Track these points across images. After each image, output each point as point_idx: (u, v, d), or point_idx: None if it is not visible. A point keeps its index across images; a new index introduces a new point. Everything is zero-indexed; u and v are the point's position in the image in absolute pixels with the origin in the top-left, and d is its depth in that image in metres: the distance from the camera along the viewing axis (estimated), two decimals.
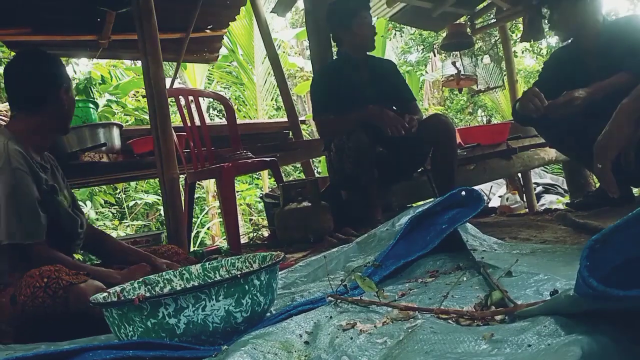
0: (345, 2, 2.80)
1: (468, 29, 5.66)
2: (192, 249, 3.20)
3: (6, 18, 4.04)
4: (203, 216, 8.04)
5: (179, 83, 7.34)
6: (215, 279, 1.36)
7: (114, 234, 5.75)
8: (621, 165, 1.64)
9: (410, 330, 0.87)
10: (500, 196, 5.93)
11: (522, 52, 9.68)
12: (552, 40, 9.04)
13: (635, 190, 2.60)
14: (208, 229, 7.95)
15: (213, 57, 5.67)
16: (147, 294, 1.27)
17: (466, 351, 0.73)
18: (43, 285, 1.31)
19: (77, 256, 1.92)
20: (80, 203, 1.79)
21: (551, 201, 6.07)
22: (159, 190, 6.12)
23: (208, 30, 5.11)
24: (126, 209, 7.23)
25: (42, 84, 1.66)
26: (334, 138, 2.57)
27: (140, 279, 1.32)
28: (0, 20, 4.06)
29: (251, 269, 1.31)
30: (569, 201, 3.18)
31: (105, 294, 1.20)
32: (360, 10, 2.72)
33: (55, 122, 1.69)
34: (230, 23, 5.31)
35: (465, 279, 1.21)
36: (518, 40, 6.81)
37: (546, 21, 2.59)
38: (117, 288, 1.26)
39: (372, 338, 0.87)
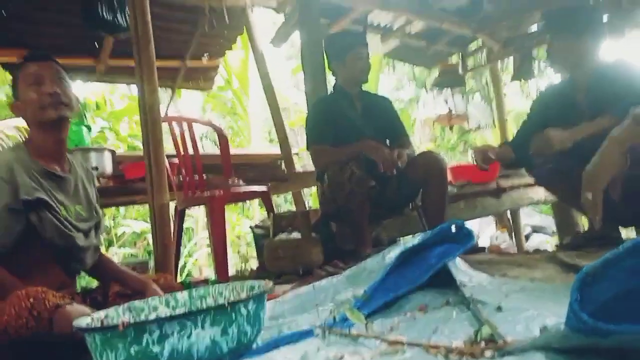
0: (342, 37, 2.86)
1: (460, 69, 5.80)
2: (179, 279, 3.15)
3: (2, 39, 4.08)
4: (191, 246, 7.96)
5: (174, 111, 7.38)
6: (202, 306, 1.34)
7: None
8: (609, 203, 1.65)
9: None
10: (490, 235, 5.95)
11: (512, 93, 9.89)
12: (541, 83, 9.25)
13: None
14: (195, 259, 7.85)
15: (208, 86, 5.74)
16: (132, 321, 1.24)
17: None
18: (29, 305, 1.28)
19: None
20: None
21: (540, 241, 6.10)
22: (148, 219, 6.06)
23: (205, 59, 5.19)
24: (114, 237, 7.14)
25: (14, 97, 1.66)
26: (328, 169, 2.58)
27: (126, 305, 1.29)
28: None
29: (239, 297, 1.29)
30: (557, 242, 3.20)
31: (88, 319, 1.17)
32: (356, 45, 2.78)
33: (31, 130, 1.64)
34: (226, 53, 5.40)
35: (454, 314, 1.20)
36: (508, 81, 6.97)
37: (541, 63, 2.68)
38: (101, 313, 1.23)
39: None
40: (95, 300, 1.71)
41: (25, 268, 1.54)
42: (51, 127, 1.62)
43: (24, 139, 1.71)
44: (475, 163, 2.49)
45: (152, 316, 1.31)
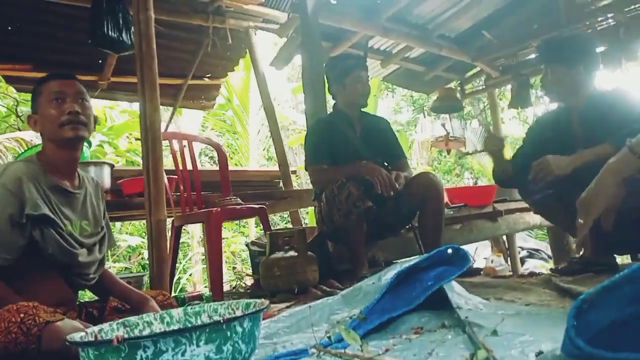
0: (343, 60, 2.90)
1: (458, 94, 5.87)
2: (173, 294, 3.13)
3: (7, 53, 4.12)
4: (186, 262, 7.92)
5: (173, 128, 7.42)
6: (197, 323, 1.33)
7: None
8: (604, 230, 1.66)
9: None
10: (485, 258, 5.94)
11: (510, 120, 9.98)
12: (538, 110, 9.35)
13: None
14: (190, 275, 7.81)
15: (209, 105, 5.78)
16: (126, 336, 1.23)
17: None
18: (18, 320, 1.27)
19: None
20: None
21: (535, 266, 6.09)
22: (143, 233, 6.04)
23: (207, 79, 5.24)
24: (109, 250, 7.11)
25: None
26: (325, 189, 2.59)
27: (121, 320, 1.29)
28: (1, 54, 4.14)
29: (234, 315, 1.29)
30: (552, 266, 3.20)
31: (82, 333, 1.16)
32: (356, 68, 2.81)
33: (47, 145, 1.65)
34: (228, 73, 5.46)
35: (450, 337, 1.20)
36: (506, 107, 7.05)
37: (539, 91, 2.73)
38: (95, 328, 1.22)
39: None
40: (91, 314, 1.70)
41: (26, 281, 1.54)
42: (67, 145, 1.64)
43: (35, 153, 1.72)
44: (483, 147, 2.55)
45: (147, 332, 1.30)
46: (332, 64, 2.96)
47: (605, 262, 2.23)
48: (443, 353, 1.05)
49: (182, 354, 1.00)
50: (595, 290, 0.66)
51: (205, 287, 5.96)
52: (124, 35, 3.31)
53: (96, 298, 1.87)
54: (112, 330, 1.25)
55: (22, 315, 1.29)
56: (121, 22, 3.30)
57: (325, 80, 3.02)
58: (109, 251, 7.09)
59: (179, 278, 7.28)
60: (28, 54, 4.16)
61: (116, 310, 1.69)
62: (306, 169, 2.84)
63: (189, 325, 1.32)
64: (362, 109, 2.92)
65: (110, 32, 3.24)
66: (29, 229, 1.51)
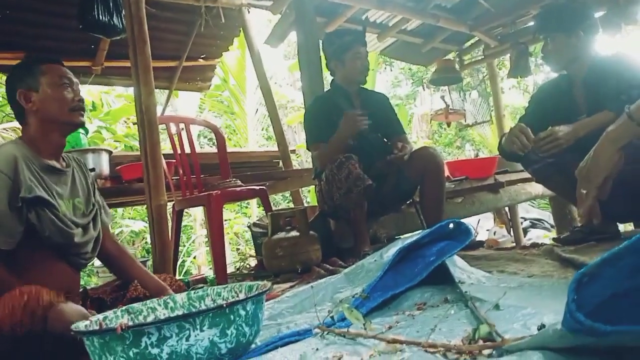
0: (341, 35, 2.85)
1: (456, 65, 5.80)
2: (177, 278, 3.15)
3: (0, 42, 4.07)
4: (190, 244, 7.96)
5: (170, 110, 7.37)
6: (201, 308, 1.34)
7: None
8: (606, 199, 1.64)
9: None
10: (487, 230, 5.96)
11: (509, 89, 9.90)
12: (538, 78, 9.27)
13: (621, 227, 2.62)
14: (194, 257, 7.86)
15: (205, 86, 5.73)
16: (130, 323, 1.24)
17: None
18: (22, 303, 1.28)
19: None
20: None
21: (538, 236, 6.11)
22: (146, 218, 6.05)
23: (201, 60, 5.18)
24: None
25: (7, 97, 1.68)
26: (325, 168, 2.59)
27: (125, 307, 1.29)
28: None
29: (237, 298, 1.29)
30: (555, 236, 3.20)
31: (87, 322, 1.17)
32: (355, 44, 2.77)
33: (42, 125, 1.63)
34: (223, 53, 5.39)
35: (452, 312, 1.20)
36: (505, 76, 6.98)
37: (538, 59, 2.67)
38: (100, 316, 1.23)
39: None
40: (100, 301, 1.70)
41: (28, 266, 1.54)
42: (68, 130, 1.70)
43: (20, 135, 1.71)
44: (505, 149, 2.26)
45: (151, 318, 1.31)
46: (330, 39, 2.91)
47: (608, 231, 2.23)
48: (446, 328, 1.06)
49: (187, 339, 1.00)
50: (595, 263, 0.65)
51: (210, 269, 6.00)
52: (114, 19, 3.26)
53: (102, 284, 1.88)
54: (116, 317, 1.25)
55: (25, 298, 1.30)
56: (111, 5, 3.24)
57: (323, 56, 2.98)
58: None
59: (183, 261, 7.33)
60: (20, 41, 4.10)
61: (135, 301, 1.69)
62: (308, 149, 2.83)
63: (193, 310, 1.33)
64: (361, 85, 2.89)
65: (100, 17, 3.19)
66: (24, 212, 1.51)
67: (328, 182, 2.55)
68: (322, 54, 3.39)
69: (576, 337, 0.64)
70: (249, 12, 4.57)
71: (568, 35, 2.25)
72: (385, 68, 10.89)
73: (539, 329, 0.88)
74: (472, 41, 5.80)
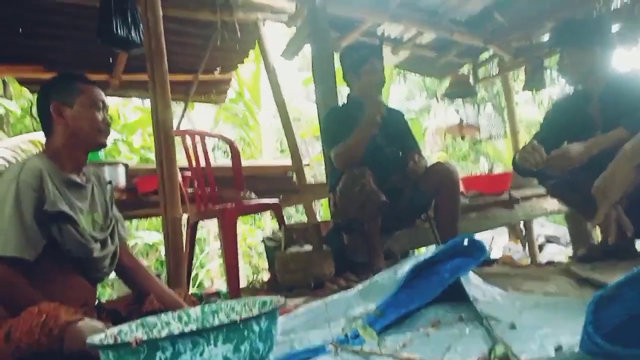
0: (358, 49, 2.87)
1: (471, 78, 5.79)
2: (190, 291, 3.17)
3: (19, 55, 4.16)
4: (203, 257, 7.98)
5: (186, 122, 7.45)
6: (214, 323, 1.34)
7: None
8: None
9: None
10: (502, 246, 5.90)
11: (524, 102, 9.83)
12: (553, 91, 9.20)
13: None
14: (208, 270, 7.87)
15: (221, 99, 5.79)
16: (145, 337, 1.25)
17: None
18: (41, 322, 1.29)
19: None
20: None
21: (554, 252, 6.03)
22: (161, 230, 6.11)
23: (217, 73, 5.24)
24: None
25: (38, 106, 1.72)
26: (339, 182, 2.57)
27: (139, 320, 1.30)
28: (13, 56, 4.18)
29: (251, 313, 1.29)
30: (571, 253, 3.16)
31: (102, 335, 1.18)
32: (371, 57, 2.78)
33: (69, 140, 1.67)
34: (238, 67, 5.45)
35: (468, 330, 1.19)
36: (520, 90, 6.94)
37: (554, 72, 2.65)
38: (115, 330, 1.24)
39: None
40: (115, 313, 1.71)
41: (48, 280, 1.56)
42: (92, 149, 1.77)
43: (43, 149, 1.74)
44: (519, 165, 2.23)
45: (165, 332, 1.31)
46: (348, 53, 2.94)
47: (625, 248, 2.19)
48: (461, 348, 1.05)
49: (201, 355, 1.00)
50: (615, 285, 0.65)
51: (224, 281, 6.01)
52: (133, 33, 3.31)
53: (118, 297, 1.89)
54: (130, 331, 1.26)
55: (43, 316, 1.31)
56: (130, 20, 3.30)
57: (340, 69, 3.00)
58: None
59: (197, 273, 7.34)
60: (39, 55, 4.19)
61: (150, 314, 1.70)
62: (330, 156, 2.78)
63: (207, 325, 1.33)
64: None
65: (119, 31, 3.24)
66: (47, 226, 1.53)
67: (342, 195, 2.54)
68: (336, 67, 3.42)
69: (594, 359, 0.64)
70: (264, 25, 4.63)
71: (584, 49, 2.24)
72: (399, 81, 10.91)
73: (556, 350, 0.87)
74: (486, 55, 5.79)
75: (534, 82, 5.22)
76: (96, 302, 1.81)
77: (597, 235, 3.87)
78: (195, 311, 1.39)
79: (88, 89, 1.72)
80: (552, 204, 3.98)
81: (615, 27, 4.18)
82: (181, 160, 3.45)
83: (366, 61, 2.77)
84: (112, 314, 1.72)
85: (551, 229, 7.00)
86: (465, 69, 5.96)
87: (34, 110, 1.85)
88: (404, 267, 1.60)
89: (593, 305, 0.65)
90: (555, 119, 2.43)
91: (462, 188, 3.51)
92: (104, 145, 1.79)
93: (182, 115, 5.56)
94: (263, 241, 3.77)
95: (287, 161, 5.19)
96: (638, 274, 0.65)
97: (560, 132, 2.30)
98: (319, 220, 4.70)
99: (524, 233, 5.43)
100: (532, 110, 10.62)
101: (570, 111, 2.37)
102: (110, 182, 1.91)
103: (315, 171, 9.09)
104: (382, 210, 2.54)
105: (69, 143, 1.68)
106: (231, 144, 3.20)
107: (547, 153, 2.12)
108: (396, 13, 4.42)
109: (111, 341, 1.16)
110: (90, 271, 1.68)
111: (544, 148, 2.16)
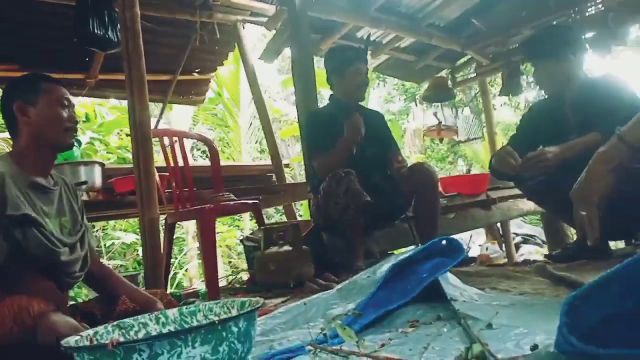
0: (343, 51, 2.89)
1: (449, 82, 5.86)
2: (169, 291, 3.13)
3: None
4: (182, 257, 7.90)
5: (164, 123, 7.36)
6: (192, 324, 1.33)
7: None
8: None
9: None
10: (480, 245, 5.98)
11: (501, 106, 9.99)
12: (529, 95, 9.36)
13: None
14: (186, 270, 7.79)
15: (200, 100, 5.75)
16: (121, 339, 1.23)
17: None
18: (13, 312, 1.27)
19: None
20: None
21: (530, 252, 6.13)
22: (138, 230, 6.02)
23: (196, 74, 5.20)
24: (103, 248, 7.07)
25: (2, 107, 1.68)
26: (325, 178, 2.57)
27: (115, 322, 1.28)
28: None
29: (229, 314, 1.28)
30: (547, 252, 3.22)
31: (77, 337, 1.16)
32: (356, 61, 2.80)
33: (34, 140, 1.63)
34: (217, 67, 5.42)
35: (445, 330, 1.20)
36: (497, 94, 7.05)
37: (530, 77, 2.70)
38: (90, 331, 1.22)
39: None
40: (90, 315, 1.68)
41: (15, 284, 1.52)
42: (59, 149, 1.72)
43: (8, 151, 1.70)
44: (495, 169, 2.31)
45: (142, 333, 1.29)
46: (332, 54, 2.95)
47: (599, 248, 2.24)
48: (439, 347, 1.06)
49: (178, 356, 0.99)
50: (586, 287, 0.66)
51: (202, 281, 5.96)
52: (109, 32, 3.27)
53: (91, 298, 1.86)
54: (107, 332, 1.24)
55: (15, 307, 1.29)
56: (107, 19, 3.26)
57: (324, 70, 3.00)
58: (104, 249, 7.07)
59: (175, 273, 7.27)
60: (14, 54, 4.11)
61: (125, 315, 1.67)
62: (311, 159, 2.80)
63: (185, 326, 1.31)
64: (359, 102, 2.91)
65: (96, 30, 3.20)
66: (10, 229, 1.49)
67: (326, 196, 2.55)
68: (316, 69, 3.42)
69: (569, 359, 0.65)
70: (244, 27, 4.61)
71: (559, 60, 2.29)
72: (379, 84, 10.97)
73: (531, 349, 0.89)
74: (464, 59, 5.87)
75: (511, 88, 5.31)
76: (70, 304, 1.78)
77: (572, 234, 3.96)
78: (172, 312, 1.38)
79: (52, 88, 1.69)
80: (528, 204, 4.05)
81: (588, 34, 4.28)
82: (159, 160, 3.42)
83: (351, 64, 2.78)
84: (87, 316, 1.69)
85: (527, 229, 7.13)
86: (444, 73, 6.03)
87: None
88: (383, 267, 1.62)
89: (567, 306, 0.66)
90: (530, 123, 2.48)
91: (440, 188, 3.55)
92: (71, 146, 1.74)
93: (160, 115, 5.50)
94: (242, 241, 3.75)
95: (266, 161, 5.19)
96: (607, 276, 0.67)
97: (535, 135, 2.34)
98: (299, 220, 4.69)
99: (501, 233, 5.52)
100: (508, 113, 10.79)
101: (545, 115, 2.41)
102: (85, 182, 1.88)
103: (295, 171, 9.08)
104: (364, 211, 2.55)
105: (35, 144, 1.64)
106: (209, 144, 3.17)
107: (522, 156, 2.17)
108: (376, 17, 4.45)
109: (87, 343, 1.14)
110: (59, 276, 1.63)
111: (519, 150, 2.21)
